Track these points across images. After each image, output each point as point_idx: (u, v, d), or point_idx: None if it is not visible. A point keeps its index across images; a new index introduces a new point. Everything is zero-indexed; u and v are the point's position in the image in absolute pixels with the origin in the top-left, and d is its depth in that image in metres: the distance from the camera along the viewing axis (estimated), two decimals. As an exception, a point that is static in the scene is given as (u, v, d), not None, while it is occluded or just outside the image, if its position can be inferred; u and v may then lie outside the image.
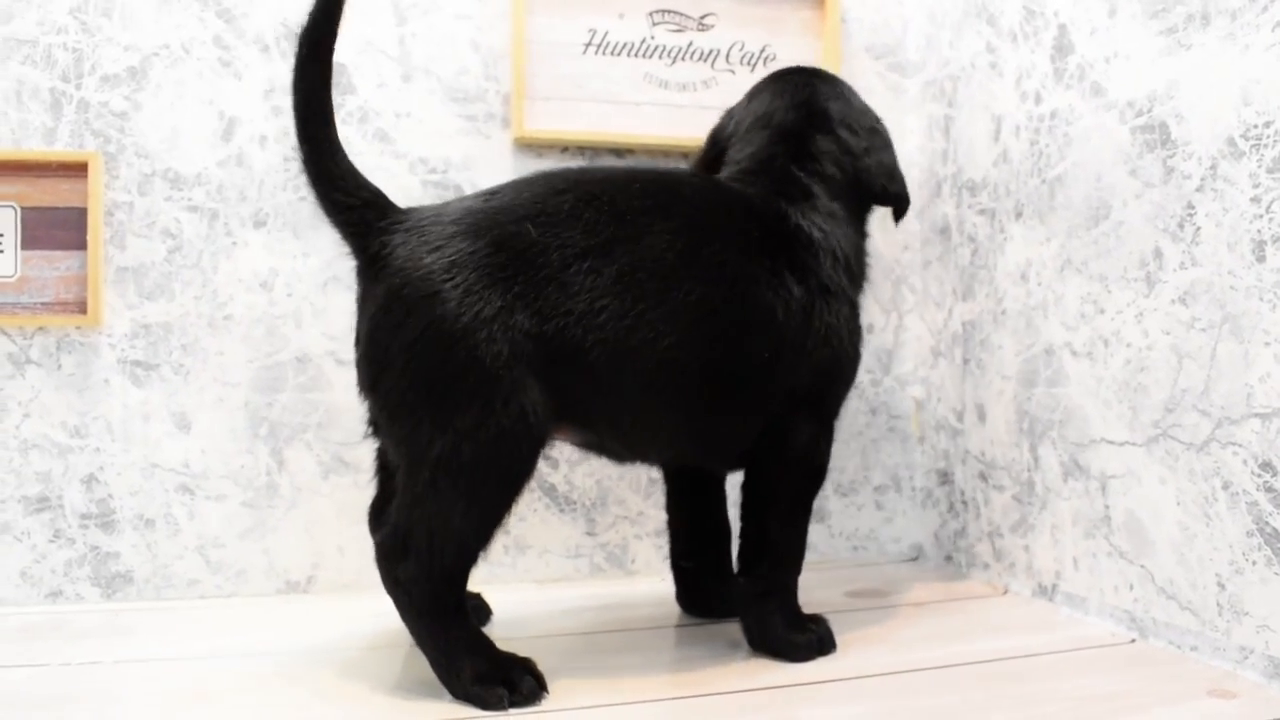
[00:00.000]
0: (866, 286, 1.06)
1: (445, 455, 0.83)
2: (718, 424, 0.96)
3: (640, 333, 0.87)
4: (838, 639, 0.98)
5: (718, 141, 1.12)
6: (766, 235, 0.96)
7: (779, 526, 0.98)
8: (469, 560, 0.86)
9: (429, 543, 0.83)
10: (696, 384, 0.91)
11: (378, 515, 0.98)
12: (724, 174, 1.06)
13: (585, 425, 0.92)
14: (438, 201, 1.00)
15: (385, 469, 0.99)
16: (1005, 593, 1.20)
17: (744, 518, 0.99)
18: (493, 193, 0.91)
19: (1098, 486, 1.05)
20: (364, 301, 0.89)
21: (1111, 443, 1.03)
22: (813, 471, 1.00)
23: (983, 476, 1.26)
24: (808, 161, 1.03)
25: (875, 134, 1.09)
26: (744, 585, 0.98)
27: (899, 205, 1.09)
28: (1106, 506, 1.04)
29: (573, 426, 0.92)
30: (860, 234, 1.06)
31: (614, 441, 0.95)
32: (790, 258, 0.96)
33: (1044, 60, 1.13)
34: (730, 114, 1.14)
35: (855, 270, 1.03)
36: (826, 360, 0.97)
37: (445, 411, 0.83)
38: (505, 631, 1.04)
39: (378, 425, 0.92)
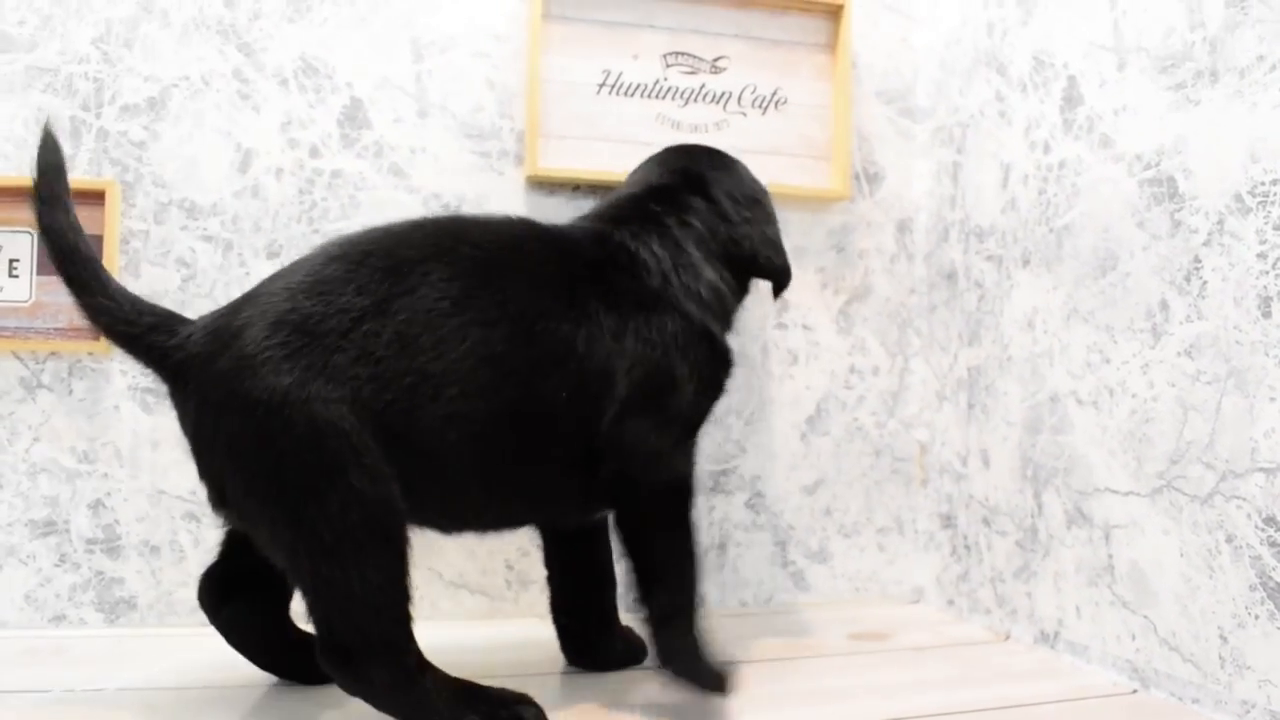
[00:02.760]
0: (731, 328, 1.04)
1: (311, 546, 0.79)
2: (533, 475, 0.91)
3: (423, 389, 0.83)
4: (838, 682, 0.98)
5: None
6: (567, 265, 0.93)
7: (660, 550, 0.93)
8: (398, 621, 0.82)
9: (354, 625, 0.80)
10: (493, 435, 0.86)
11: (213, 588, 0.96)
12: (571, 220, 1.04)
13: (406, 494, 0.84)
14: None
15: (231, 540, 0.96)
16: (1007, 639, 1.20)
17: (625, 554, 0.93)
18: (276, 276, 0.88)
19: (1101, 535, 1.06)
20: (182, 422, 0.87)
21: (1115, 492, 1.04)
22: (674, 483, 0.94)
23: (986, 521, 1.26)
24: (677, 212, 1.02)
25: (757, 205, 1.08)
26: (645, 617, 0.92)
27: (779, 279, 1.09)
28: (1110, 556, 1.04)
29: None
30: (733, 290, 1.05)
31: (432, 511, 0.89)
32: (598, 283, 0.93)
33: (1053, 110, 1.14)
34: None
35: (709, 303, 0.99)
36: (648, 373, 0.92)
37: (286, 504, 0.80)
38: (508, 669, 1.04)
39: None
